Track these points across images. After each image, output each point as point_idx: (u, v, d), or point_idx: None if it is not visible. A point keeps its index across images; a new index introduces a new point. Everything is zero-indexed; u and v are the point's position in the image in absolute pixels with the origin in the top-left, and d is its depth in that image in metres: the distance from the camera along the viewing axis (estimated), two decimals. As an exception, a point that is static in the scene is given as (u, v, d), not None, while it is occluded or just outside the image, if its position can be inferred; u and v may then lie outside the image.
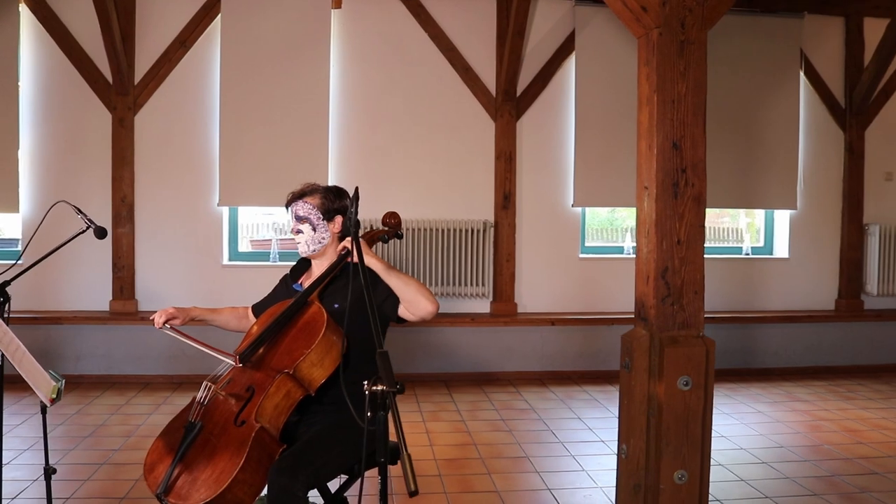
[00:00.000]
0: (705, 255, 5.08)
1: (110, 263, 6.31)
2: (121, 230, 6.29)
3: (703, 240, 3.10)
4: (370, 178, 6.50)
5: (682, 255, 3.05)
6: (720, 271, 6.88)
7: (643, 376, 3.06)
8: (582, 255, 6.94)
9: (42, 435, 2.69)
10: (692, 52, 3.02)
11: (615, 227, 7.38)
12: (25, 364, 2.43)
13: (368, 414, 1.81)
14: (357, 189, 2.34)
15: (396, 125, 6.59)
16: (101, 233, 3.08)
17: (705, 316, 6.81)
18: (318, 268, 2.98)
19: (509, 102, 6.64)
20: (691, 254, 3.06)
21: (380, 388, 1.81)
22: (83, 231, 3.07)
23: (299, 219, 2.90)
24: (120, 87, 6.21)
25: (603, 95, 6.69)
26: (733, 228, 7.45)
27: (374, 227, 3.05)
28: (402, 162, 6.60)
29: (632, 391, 3.09)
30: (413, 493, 1.68)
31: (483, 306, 6.76)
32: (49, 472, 2.71)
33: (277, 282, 3.21)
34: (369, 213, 6.34)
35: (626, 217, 7.30)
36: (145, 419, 5.17)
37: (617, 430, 5.00)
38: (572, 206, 6.79)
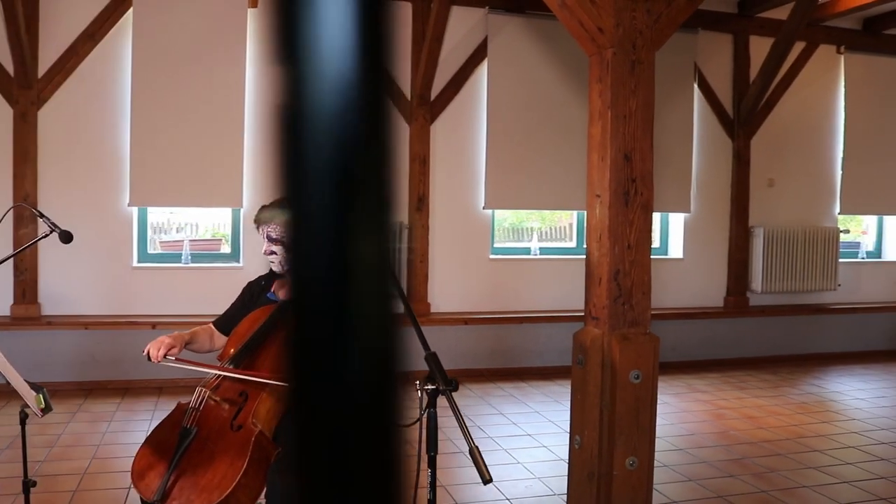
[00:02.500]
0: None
1: (11, 266, 6.00)
2: (23, 231, 5.98)
3: (650, 244, 3.35)
4: (287, 179, 6.48)
5: (631, 258, 3.28)
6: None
7: (596, 371, 3.28)
8: (492, 256, 7.17)
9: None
10: (642, 71, 3.26)
11: (500, 227, 7.66)
12: (10, 373, 2.37)
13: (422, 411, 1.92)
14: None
15: (313, 126, 6.59)
16: (66, 237, 2.99)
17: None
18: None
19: (424, 106, 6.78)
20: (640, 257, 3.30)
21: (430, 387, 1.93)
22: (46, 235, 2.97)
23: (273, 240, 2.91)
24: (23, 80, 5.91)
25: (514, 101, 6.94)
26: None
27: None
28: (319, 163, 6.60)
29: (586, 385, 3.31)
30: (487, 482, 1.81)
31: (396, 306, 6.85)
32: (28, 484, 2.63)
33: (240, 292, 3.18)
34: (288, 215, 6.32)
35: (508, 217, 7.61)
36: (64, 428, 4.98)
37: (538, 423, 5.27)
38: (483, 208, 7.01)
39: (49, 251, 6.07)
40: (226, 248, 6.78)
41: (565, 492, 3.99)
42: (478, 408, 5.72)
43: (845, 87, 7.82)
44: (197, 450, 2.45)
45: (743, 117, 7.42)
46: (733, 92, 7.52)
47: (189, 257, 6.52)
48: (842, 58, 7.81)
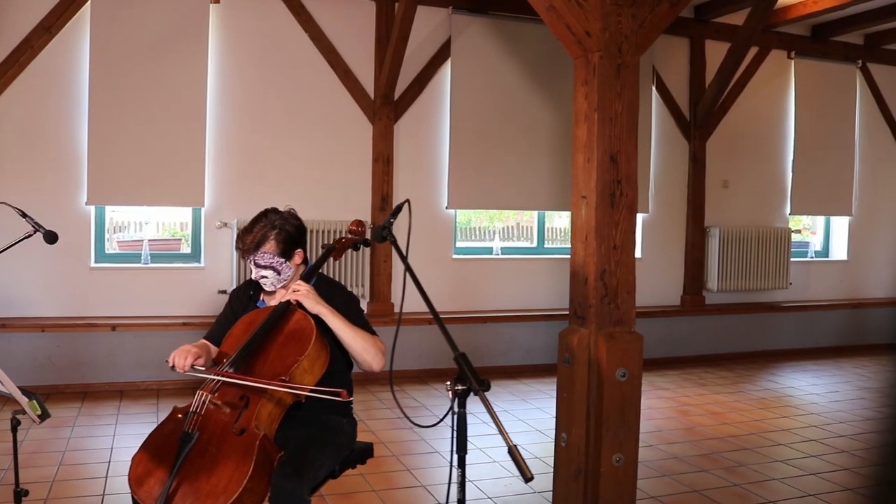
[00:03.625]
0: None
1: (-38, 266, 5.79)
2: (-25, 230, 5.77)
3: (634, 244, 3.41)
4: (247, 178, 6.41)
5: (617, 258, 3.34)
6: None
7: (583, 370, 3.33)
8: (455, 256, 7.19)
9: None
10: (627, 74, 3.32)
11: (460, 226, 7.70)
12: (4, 379, 2.29)
13: (455, 410, 1.93)
14: (408, 202, 2.43)
15: (275, 125, 6.53)
16: (51, 237, 2.90)
17: (565, 313, 7.23)
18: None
19: (387, 106, 6.76)
20: (625, 257, 3.36)
21: (461, 387, 1.95)
22: (29, 235, 2.87)
23: (261, 267, 2.85)
24: (-25, 75, 5.72)
25: (477, 101, 6.98)
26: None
27: (343, 236, 3.09)
28: (281, 162, 6.54)
29: (573, 384, 3.35)
30: (529, 479, 1.83)
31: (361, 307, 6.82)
32: (20, 493, 2.54)
33: (227, 303, 3.10)
34: (247, 213, 6.26)
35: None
36: (24, 434, 4.81)
37: (509, 422, 5.28)
38: (446, 208, 7.02)
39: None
40: (185, 248, 6.65)
41: (546, 489, 4.04)
42: (446, 408, 5.71)
43: (795, 91, 8.06)
44: (198, 455, 2.40)
45: (699, 120, 7.59)
46: (689, 95, 7.69)
47: (149, 257, 6.38)
48: (792, 63, 8.04)
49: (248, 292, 3.02)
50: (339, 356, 2.85)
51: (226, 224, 6.37)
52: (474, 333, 6.99)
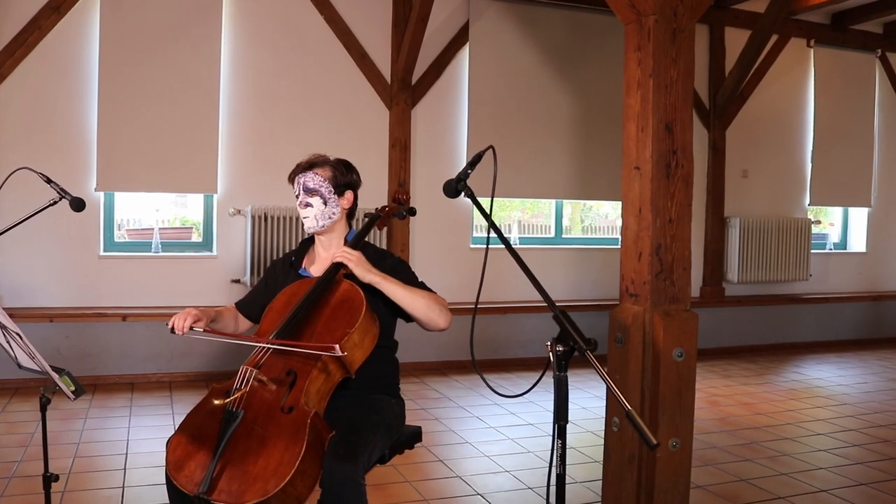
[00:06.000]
0: (596, 247, 4.91)
1: (-33, 254, 5.59)
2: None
3: (690, 218, 3.24)
4: (262, 164, 6.22)
5: (672, 232, 3.17)
6: (599, 262, 7.21)
7: (638, 350, 3.15)
8: (472, 246, 7.03)
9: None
10: (683, 39, 3.16)
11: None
12: (35, 354, 2.11)
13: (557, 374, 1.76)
14: (492, 148, 2.27)
15: (289, 110, 6.34)
16: (78, 204, 2.72)
17: (589, 303, 7.12)
18: (323, 247, 2.80)
19: (405, 91, 6.59)
20: (681, 231, 3.20)
21: (562, 348, 1.77)
22: (55, 202, 2.69)
23: (309, 191, 2.69)
24: (-19, 56, 5.52)
25: (496, 87, 6.81)
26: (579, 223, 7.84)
27: (387, 205, 2.93)
28: (295, 148, 6.23)
29: (626, 365, 3.17)
30: (655, 446, 1.66)
31: (375, 297, 6.65)
32: (50, 479, 2.36)
33: (263, 274, 2.94)
34: (262, 201, 6.12)
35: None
36: (35, 426, 4.61)
37: (537, 413, 5.13)
38: (465, 196, 6.83)
39: (7, 238, 5.65)
40: (197, 237, 6.45)
41: (589, 478, 3.88)
42: (470, 398, 5.55)
43: (815, 80, 7.91)
44: (244, 435, 2.21)
45: (719, 108, 7.43)
46: (709, 82, 7.53)
47: (159, 246, 6.18)
48: (811, 51, 7.90)
49: (289, 259, 2.86)
50: (387, 331, 2.69)
51: (239, 211, 6.18)
52: (493, 324, 6.82)
